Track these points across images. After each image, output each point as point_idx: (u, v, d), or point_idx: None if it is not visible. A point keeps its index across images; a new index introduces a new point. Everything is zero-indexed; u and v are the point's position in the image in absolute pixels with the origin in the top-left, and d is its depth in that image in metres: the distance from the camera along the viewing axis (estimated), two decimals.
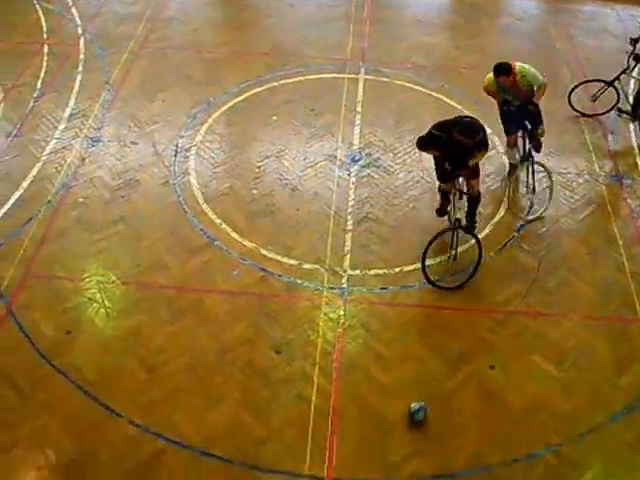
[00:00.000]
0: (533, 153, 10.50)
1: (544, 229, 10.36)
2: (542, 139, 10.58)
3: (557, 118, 12.04)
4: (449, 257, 9.71)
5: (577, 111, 12.36)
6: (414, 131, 11.53)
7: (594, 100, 12.34)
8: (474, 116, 9.60)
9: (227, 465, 7.83)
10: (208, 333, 9.07)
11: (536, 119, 10.38)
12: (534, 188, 10.59)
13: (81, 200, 10.75)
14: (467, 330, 9.10)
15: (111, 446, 7.98)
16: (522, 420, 8.22)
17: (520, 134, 10.66)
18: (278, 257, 9.96)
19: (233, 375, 8.62)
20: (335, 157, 11.50)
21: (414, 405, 8.14)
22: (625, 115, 12.11)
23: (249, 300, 9.45)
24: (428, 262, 9.45)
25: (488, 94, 10.58)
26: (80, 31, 14.45)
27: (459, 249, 9.63)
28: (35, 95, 12.79)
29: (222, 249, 10.03)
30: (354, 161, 11.39)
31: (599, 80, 12.24)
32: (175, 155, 11.53)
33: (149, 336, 9.04)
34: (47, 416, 8.22)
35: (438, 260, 9.81)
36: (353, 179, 11.13)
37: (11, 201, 10.76)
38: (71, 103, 12.62)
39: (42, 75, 13.26)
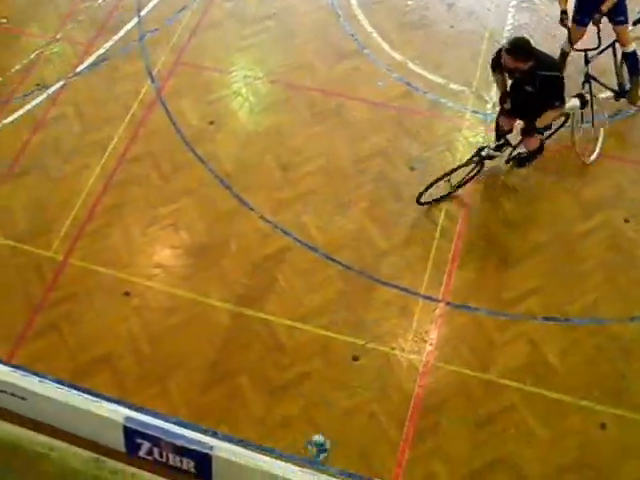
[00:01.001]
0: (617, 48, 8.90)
1: None
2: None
3: None
4: (450, 182, 8.54)
5: None
6: None
7: None
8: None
9: (346, 271, 8.09)
10: (346, 139, 9.14)
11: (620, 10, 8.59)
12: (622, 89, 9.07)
13: None
14: (608, 177, 8.76)
15: (240, 237, 8.37)
16: None
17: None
18: (425, 73, 9.73)
19: (365, 184, 8.74)
20: None
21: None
22: None
23: (390, 113, 9.39)
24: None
25: None
26: None
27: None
28: None
29: (370, 58, 9.88)
30: None
31: None
32: None
33: (289, 135, 9.20)
34: (185, 200, 8.66)
35: None
36: (513, 2, 10.53)
37: None
38: None
39: None
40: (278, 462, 6.47)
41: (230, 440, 6.83)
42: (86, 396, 6.85)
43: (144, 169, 8.93)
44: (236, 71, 9.81)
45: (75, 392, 6.90)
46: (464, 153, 8.88)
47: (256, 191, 8.70)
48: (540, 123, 7.97)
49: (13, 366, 7.26)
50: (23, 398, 6.95)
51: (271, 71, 9.80)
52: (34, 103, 9.64)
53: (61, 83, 9.81)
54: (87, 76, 9.89)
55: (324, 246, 8.27)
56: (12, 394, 6.96)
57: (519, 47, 7.64)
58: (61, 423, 6.95)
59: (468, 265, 8.13)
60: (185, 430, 6.62)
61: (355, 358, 7.53)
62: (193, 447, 6.46)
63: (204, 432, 6.84)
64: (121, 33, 10.28)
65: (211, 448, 6.44)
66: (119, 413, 6.67)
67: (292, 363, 7.47)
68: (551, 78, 7.67)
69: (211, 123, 9.30)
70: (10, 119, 9.49)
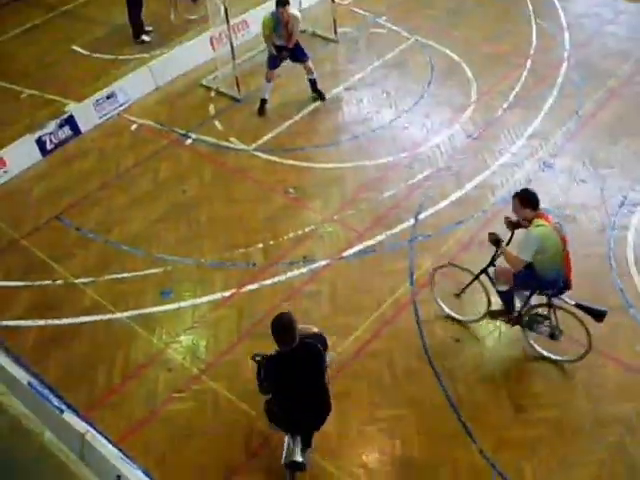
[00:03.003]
0: None
1: None
2: None
3: None
4: None
5: None
6: None
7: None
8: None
9: None
10: (589, 397, 8.63)
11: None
12: None
13: None
14: None
15: (453, 465, 8.02)
16: None
17: None
18: None
19: (598, 451, 8.13)
20: None
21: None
22: None
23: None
24: None
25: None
26: (566, 55, 14.29)
27: None
28: (505, 106, 13.09)
29: (635, 318, 9.40)
30: None
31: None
32: (620, 206, 10.97)
33: (524, 380, 8.88)
34: (408, 409, 8.52)
35: None
36: None
37: (451, 198, 11.23)
38: (535, 123, 12.65)
39: (517, 88, 13.51)
40: None
41: None
42: None
43: (378, 366, 8.94)
44: None
45: None
46: None
47: (483, 423, 8.37)
48: None
49: None
50: None
51: None
52: (296, 273, 10.14)
53: (326, 262, 10.26)
54: (352, 262, 10.29)
55: None
56: None
57: None
58: None
59: None
60: None
61: None
62: None
63: None
64: (395, 230, 10.70)
65: None
66: None
67: None
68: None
69: (457, 341, 9.22)
70: (270, 281, 10.00)
